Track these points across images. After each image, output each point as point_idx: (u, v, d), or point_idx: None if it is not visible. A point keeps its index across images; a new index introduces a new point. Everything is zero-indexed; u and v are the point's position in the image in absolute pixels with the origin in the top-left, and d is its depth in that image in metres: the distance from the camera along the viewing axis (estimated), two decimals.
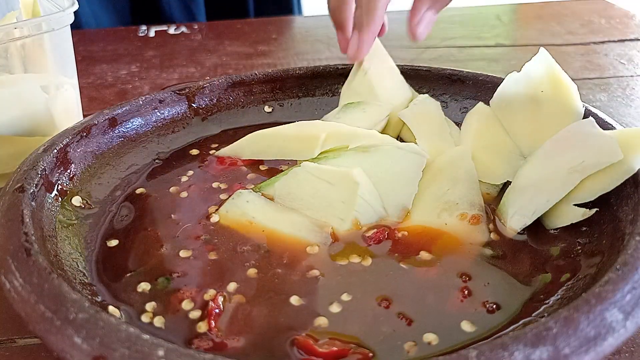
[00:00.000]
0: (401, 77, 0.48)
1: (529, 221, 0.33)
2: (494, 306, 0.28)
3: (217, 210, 0.36)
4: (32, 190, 0.32)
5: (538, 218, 0.33)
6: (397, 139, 0.42)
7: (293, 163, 0.40)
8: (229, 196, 0.37)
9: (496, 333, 0.26)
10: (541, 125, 0.39)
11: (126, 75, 0.73)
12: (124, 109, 0.43)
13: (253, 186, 0.38)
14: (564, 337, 0.21)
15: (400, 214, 0.35)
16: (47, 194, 0.34)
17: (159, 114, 0.45)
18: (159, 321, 0.28)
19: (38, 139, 0.40)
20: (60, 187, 0.35)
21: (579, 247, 0.32)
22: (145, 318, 0.28)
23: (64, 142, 0.37)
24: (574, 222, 0.33)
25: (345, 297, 0.29)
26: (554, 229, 0.33)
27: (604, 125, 0.36)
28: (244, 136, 0.43)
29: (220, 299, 0.29)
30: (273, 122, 0.48)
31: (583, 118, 0.37)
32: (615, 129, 0.36)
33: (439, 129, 0.43)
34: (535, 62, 0.40)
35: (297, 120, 0.46)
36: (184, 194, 0.39)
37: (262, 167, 0.41)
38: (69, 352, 0.22)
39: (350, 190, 0.34)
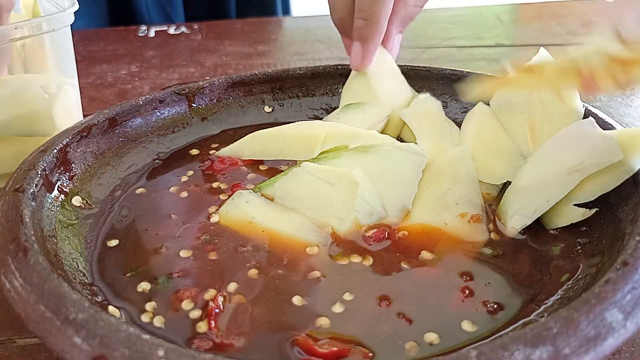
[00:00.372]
0: (402, 78, 0.48)
1: (529, 221, 0.33)
2: (495, 306, 0.28)
3: (217, 210, 0.36)
4: (32, 190, 0.32)
5: (538, 218, 0.33)
6: (398, 139, 0.42)
7: (293, 163, 0.40)
8: (229, 196, 0.37)
9: (497, 333, 0.26)
10: (541, 125, 0.39)
11: (126, 75, 0.73)
12: (124, 109, 0.43)
13: (253, 186, 0.38)
14: (564, 337, 0.21)
15: (400, 214, 0.35)
16: (47, 194, 0.34)
17: (159, 114, 0.45)
18: (159, 321, 0.28)
19: (38, 139, 0.40)
20: (60, 187, 0.35)
21: (579, 247, 0.32)
22: (145, 318, 0.28)
23: (64, 142, 0.37)
24: (574, 222, 0.33)
25: (347, 296, 0.29)
26: (554, 229, 0.33)
27: (604, 125, 0.36)
28: (244, 136, 0.43)
29: (220, 299, 0.29)
30: (273, 122, 0.48)
31: (583, 118, 0.37)
32: (615, 129, 0.36)
33: (440, 129, 0.43)
34: (535, 62, 0.40)
35: (297, 120, 0.46)
36: (184, 194, 0.39)
37: (262, 167, 0.41)
38: (69, 352, 0.22)
39: (350, 190, 0.34)
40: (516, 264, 0.31)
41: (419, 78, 0.49)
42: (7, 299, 0.25)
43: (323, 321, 0.27)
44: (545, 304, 0.28)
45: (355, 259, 0.32)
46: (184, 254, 0.32)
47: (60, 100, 0.45)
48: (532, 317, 0.27)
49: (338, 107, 0.48)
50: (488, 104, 0.43)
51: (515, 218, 0.34)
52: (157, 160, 0.43)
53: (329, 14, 0.49)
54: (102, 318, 0.22)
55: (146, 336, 0.22)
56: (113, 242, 0.34)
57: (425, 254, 0.32)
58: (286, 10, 1.10)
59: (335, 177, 0.35)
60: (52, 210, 0.33)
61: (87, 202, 0.37)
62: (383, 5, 0.44)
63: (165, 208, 0.37)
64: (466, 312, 0.28)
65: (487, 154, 0.39)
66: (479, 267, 0.31)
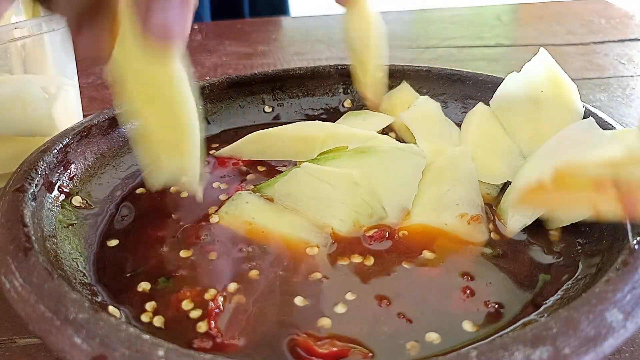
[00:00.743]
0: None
1: (529, 221, 0.33)
2: (496, 306, 0.28)
3: (216, 211, 0.36)
4: (32, 190, 0.32)
5: (538, 218, 0.33)
6: (397, 140, 0.42)
7: (293, 164, 0.40)
8: (229, 197, 0.37)
9: (497, 333, 0.26)
10: (541, 125, 0.39)
11: None
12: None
13: (253, 187, 0.38)
14: (564, 337, 0.21)
15: (401, 214, 0.35)
16: (47, 194, 0.34)
17: None
18: (158, 321, 0.28)
19: (38, 139, 0.40)
20: (60, 187, 0.35)
21: (579, 247, 0.32)
22: (145, 318, 0.28)
23: (64, 142, 0.37)
24: (574, 222, 0.33)
25: (349, 296, 0.29)
26: (554, 229, 0.33)
27: (604, 125, 0.36)
28: (244, 136, 0.43)
29: (220, 299, 0.29)
30: (273, 122, 0.48)
31: (583, 118, 0.37)
32: (615, 128, 0.36)
33: (439, 129, 0.43)
34: (535, 62, 0.40)
35: (297, 120, 0.46)
36: (184, 194, 0.39)
37: (261, 168, 0.41)
38: (68, 352, 0.22)
39: (351, 191, 0.34)
40: (516, 264, 0.31)
41: (419, 78, 0.48)
42: (7, 299, 0.25)
43: (325, 322, 0.27)
44: (545, 304, 0.28)
45: (356, 259, 0.32)
46: (184, 254, 0.32)
47: (60, 101, 0.45)
48: (532, 317, 0.27)
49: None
50: (488, 105, 0.43)
51: (516, 218, 0.34)
52: None
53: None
54: (102, 318, 0.22)
55: (146, 336, 0.22)
56: (113, 242, 0.34)
57: (427, 254, 0.32)
58: (288, 10, 1.10)
59: (335, 177, 0.35)
60: (52, 210, 0.33)
61: (87, 202, 0.37)
62: None
63: (165, 208, 0.37)
64: (467, 312, 0.28)
65: (487, 154, 0.39)
66: (479, 267, 0.31)
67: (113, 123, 0.42)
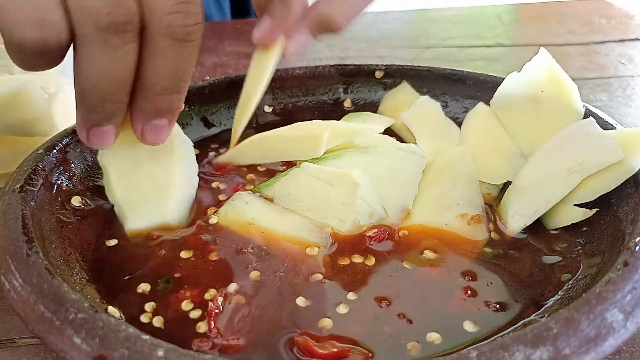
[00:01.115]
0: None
1: (529, 221, 0.33)
2: (497, 306, 0.28)
3: (216, 211, 0.36)
4: (32, 190, 0.32)
5: (538, 218, 0.33)
6: (398, 140, 0.42)
7: (292, 164, 0.40)
8: (229, 197, 0.37)
9: (499, 333, 0.26)
10: (541, 125, 0.39)
11: None
12: None
13: (252, 187, 0.38)
14: (564, 337, 0.21)
15: (401, 214, 0.35)
16: (47, 194, 0.34)
17: None
18: (158, 321, 0.28)
19: (38, 139, 0.40)
20: (60, 187, 0.35)
21: (579, 247, 0.32)
22: (144, 318, 0.28)
23: (64, 142, 0.37)
24: (574, 222, 0.33)
25: (351, 296, 0.29)
26: (554, 229, 0.33)
27: (604, 125, 0.36)
28: (244, 136, 0.43)
29: (220, 300, 0.29)
30: (273, 122, 0.48)
31: (583, 118, 0.37)
32: (615, 129, 0.36)
33: (439, 129, 0.43)
34: (535, 62, 0.40)
35: (297, 120, 0.46)
36: None
37: (261, 168, 0.41)
38: (68, 352, 0.22)
39: (351, 191, 0.34)
40: (517, 264, 0.31)
41: (419, 78, 0.48)
42: (7, 299, 0.25)
43: (326, 322, 0.27)
44: (546, 304, 0.28)
45: (357, 259, 0.32)
46: (184, 254, 0.32)
47: (60, 100, 0.45)
48: (532, 317, 0.27)
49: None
50: (488, 105, 0.43)
51: (516, 218, 0.34)
52: None
53: None
54: (101, 318, 0.22)
55: (146, 336, 0.22)
56: (112, 242, 0.34)
57: (427, 254, 0.32)
58: None
59: (335, 177, 0.35)
60: (52, 210, 0.33)
61: (86, 202, 0.37)
62: None
63: None
64: (468, 312, 0.28)
65: (487, 154, 0.39)
66: (480, 267, 0.31)
67: None
